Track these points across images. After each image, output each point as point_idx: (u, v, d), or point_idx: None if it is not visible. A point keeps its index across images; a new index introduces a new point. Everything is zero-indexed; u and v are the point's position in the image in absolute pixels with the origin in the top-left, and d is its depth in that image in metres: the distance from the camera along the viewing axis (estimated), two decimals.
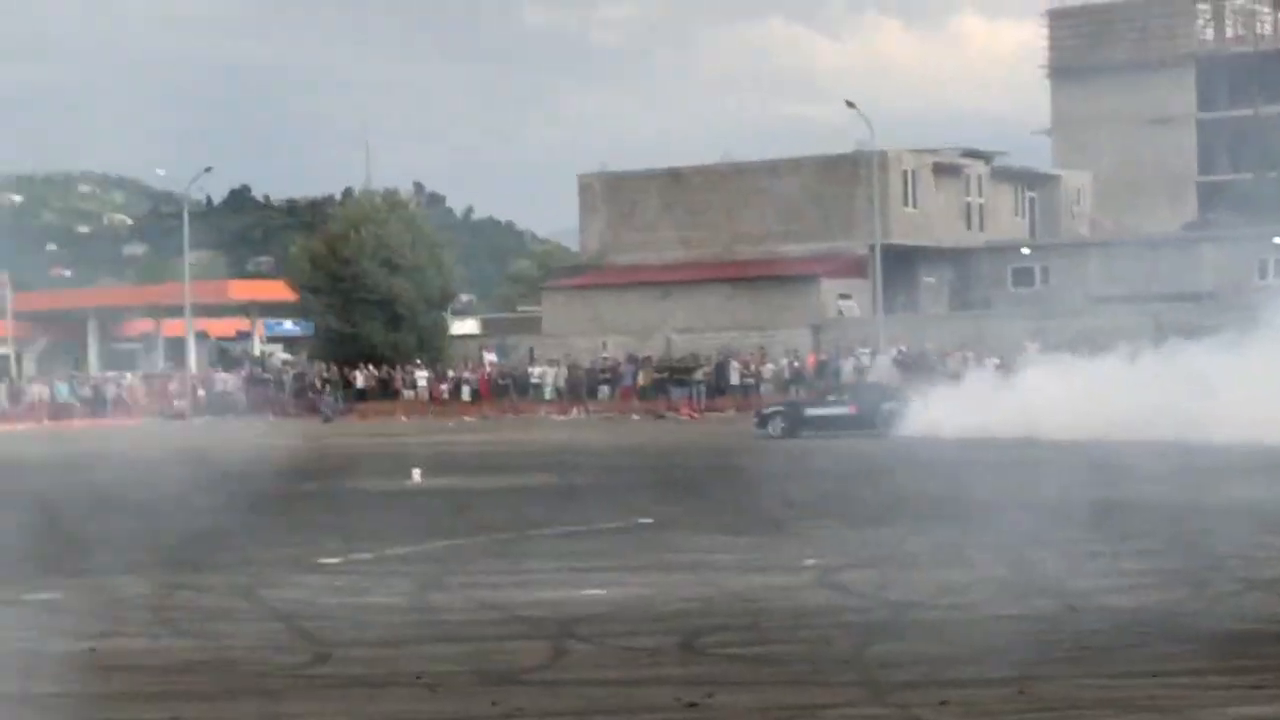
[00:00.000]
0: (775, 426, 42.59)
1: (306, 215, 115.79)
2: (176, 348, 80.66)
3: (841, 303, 65.54)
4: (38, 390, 65.58)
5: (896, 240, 63.90)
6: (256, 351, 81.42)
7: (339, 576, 16.26)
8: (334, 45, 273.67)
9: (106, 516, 23.60)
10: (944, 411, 39.56)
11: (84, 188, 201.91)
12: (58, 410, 63.85)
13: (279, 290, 76.84)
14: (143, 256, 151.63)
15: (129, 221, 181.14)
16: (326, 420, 59.75)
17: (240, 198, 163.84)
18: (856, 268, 64.68)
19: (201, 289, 77.24)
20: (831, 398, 45.35)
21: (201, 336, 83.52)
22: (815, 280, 65.01)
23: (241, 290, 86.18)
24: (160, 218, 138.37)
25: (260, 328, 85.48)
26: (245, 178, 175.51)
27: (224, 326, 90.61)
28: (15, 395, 64.76)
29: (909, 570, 15.82)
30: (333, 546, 18.77)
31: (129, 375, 71.93)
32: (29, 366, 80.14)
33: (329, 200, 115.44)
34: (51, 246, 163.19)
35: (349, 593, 15.06)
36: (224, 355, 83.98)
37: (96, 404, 65.04)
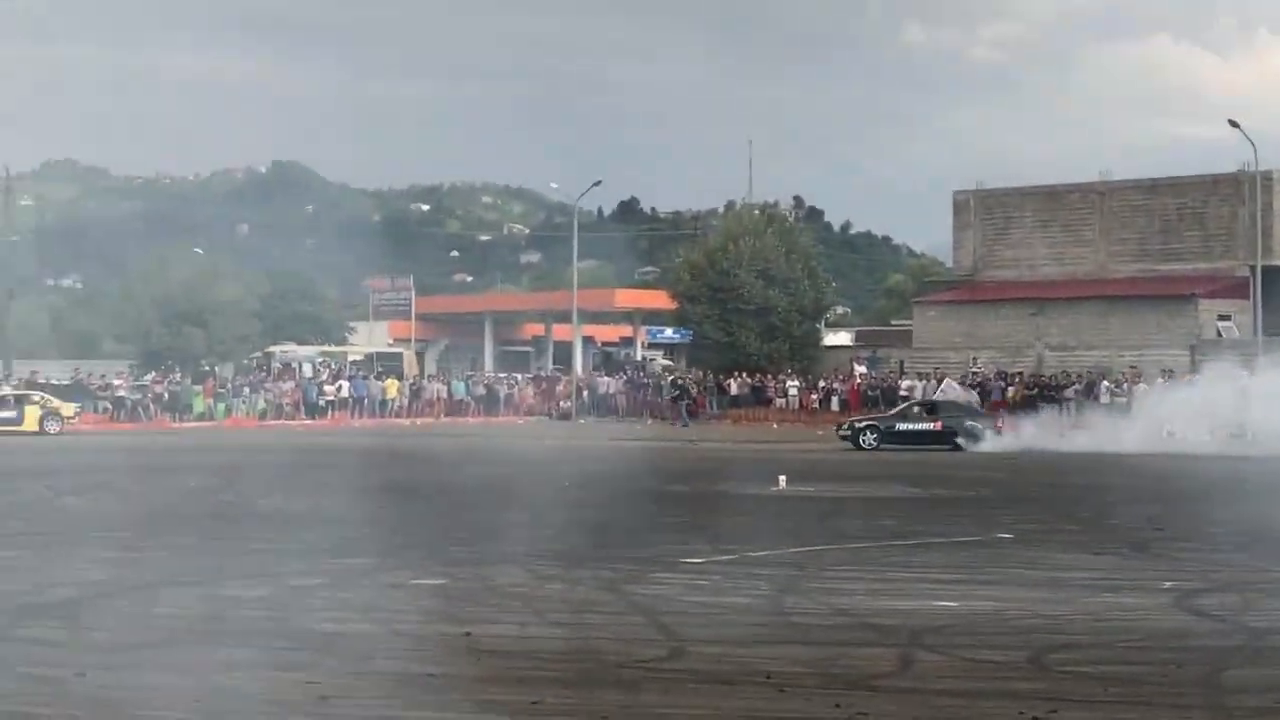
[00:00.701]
0: (868, 440, 44.90)
1: (690, 227, 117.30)
2: (565, 351, 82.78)
3: (1220, 324, 63.25)
4: (436, 388, 68.16)
5: None
6: (638, 357, 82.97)
7: (701, 576, 16.49)
8: (720, 63, 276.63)
9: (493, 509, 24.47)
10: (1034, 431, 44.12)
11: (486, 198, 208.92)
12: (454, 407, 66.29)
13: (661, 299, 78.15)
14: (537, 264, 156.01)
15: (526, 231, 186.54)
16: (684, 425, 60.39)
17: (628, 210, 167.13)
18: (1237, 289, 62.34)
19: (589, 296, 79.08)
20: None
21: (588, 341, 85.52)
22: (1193, 300, 62.92)
23: (626, 298, 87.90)
24: (554, 228, 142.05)
25: (643, 334, 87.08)
26: (634, 191, 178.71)
27: (609, 332, 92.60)
28: (416, 392, 67.44)
29: (1272, 596, 15.21)
30: (697, 547, 19.05)
31: (520, 376, 74.12)
32: (429, 365, 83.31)
33: (711, 213, 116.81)
34: (454, 253, 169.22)
35: (709, 592, 15.27)
36: (608, 360, 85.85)
37: (489, 402, 67.24)
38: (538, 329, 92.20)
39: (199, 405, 61.07)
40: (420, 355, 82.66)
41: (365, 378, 67.21)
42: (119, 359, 70.48)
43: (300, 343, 77.20)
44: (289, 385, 65.18)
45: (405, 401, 66.18)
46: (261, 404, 63.13)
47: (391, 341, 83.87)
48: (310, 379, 67.07)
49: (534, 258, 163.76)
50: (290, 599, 14.53)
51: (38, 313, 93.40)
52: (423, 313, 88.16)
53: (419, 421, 62.69)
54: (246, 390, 63.98)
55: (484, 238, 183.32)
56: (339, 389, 64.74)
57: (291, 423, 60.81)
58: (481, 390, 68.16)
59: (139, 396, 60.57)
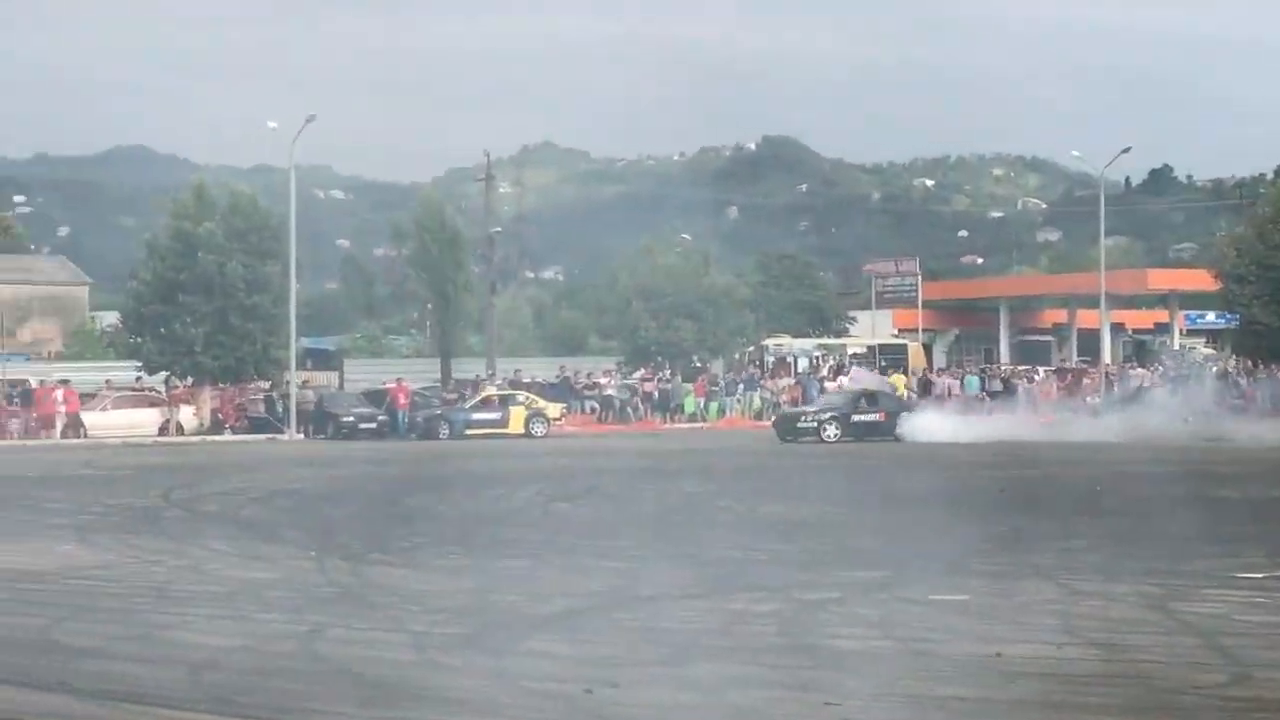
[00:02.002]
0: (830, 432, 49.02)
1: (1234, 196, 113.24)
2: (1091, 340, 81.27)
3: None
4: (946, 383, 67.88)
5: None
6: (1175, 345, 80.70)
7: (1261, 593, 16.02)
8: (1261, 10, 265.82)
9: (1017, 515, 24.31)
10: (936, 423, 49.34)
11: (997, 171, 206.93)
12: (967, 403, 65.82)
13: (1201, 279, 75.76)
14: (1057, 243, 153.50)
15: (1043, 206, 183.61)
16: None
17: (1161, 178, 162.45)
18: None
19: (1118, 278, 77.38)
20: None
21: (1117, 328, 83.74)
22: None
23: (1160, 279, 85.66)
24: (1076, 201, 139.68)
25: (1180, 319, 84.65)
26: (1167, 157, 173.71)
27: (1141, 318, 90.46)
28: (924, 386, 67.38)
29: None
30: (1254, 559, 18.51)
31: (1041, 369, 73.08)
32: (938, 357, 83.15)
33: (1259, 179, 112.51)
34: (963, 233, 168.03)
35: (1272, 610, 14.83)
36: (1140, 349, 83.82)
37: (1005, 398, 66.53)
38: (1059, 315, 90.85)
39: (690, 404, 62.67)
40: (927, 346, 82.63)
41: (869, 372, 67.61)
42: (605, 355, 72.98)
43: (796, 334, 78.27)
44: (786, 381, 66.17)
45: (913, 397, 66.16)
46: (757, 402, 64.30)
47: (896, 332, 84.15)
48: (809, 374, 67.93)
49: (1053, 236, 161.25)
50: (802, 613, 14.83)
51: (520, 307, 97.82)
52: (930, 299, 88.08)
53: None
54: (740, 387, 65.27)
55: (996, 214, 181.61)
56: (840, 385, 65.30)
57: None
58: (997, 384, 67.52)
59: (627, 396, 62.58)
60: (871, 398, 52.33)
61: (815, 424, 49.88)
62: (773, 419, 54.78)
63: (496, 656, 12.58)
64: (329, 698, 11.02)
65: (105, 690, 11.40)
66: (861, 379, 57.11)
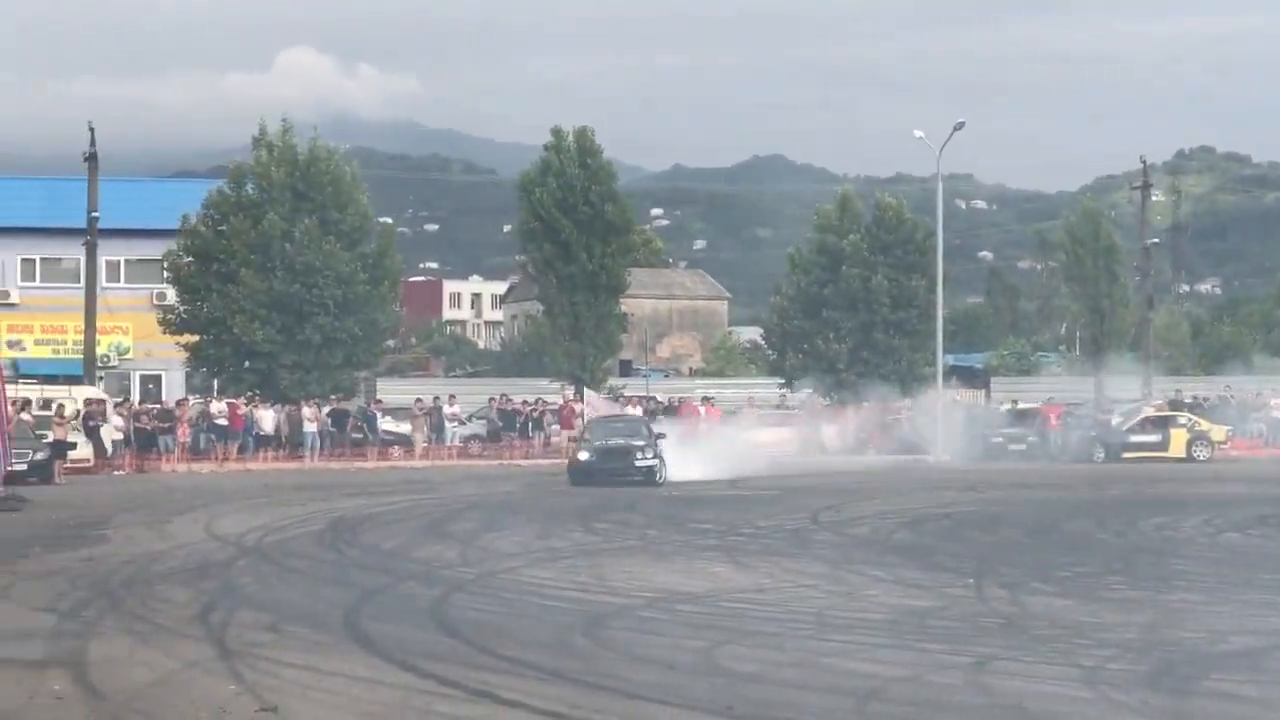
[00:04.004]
0: (663, 474, 40.94)
1: None
2: None
3: None
4: None
5: None
6: None
7: None
8: None
9: None
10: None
11: None
12: None
13: None
14: None
15: None
16: None
17: None
18: None
19: None
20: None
21: None
22: None
23: None
24: None
25: None
26: None
27: None
28: None
29: None
30: None
31: None
32: None
33: None
34: None
35: None
36: None
37: None
38: None
39: None
40: None
41: None
42: (1272, 374, 70.22)
43: None
44: None
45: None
46: None
47: None
48: None
49: None
50: None
51: (1178, 323, 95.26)
52: None
53: None
54: None
55: None
56: None
57: None
58: None
59: None
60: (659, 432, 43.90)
61: (655, 462, 41.25)
62: (579, 456, 41.99)
63: (1177, 697, 12.29)
64: None
65: (770, 716, 11.66)
66: (598, 406, 50.32)
